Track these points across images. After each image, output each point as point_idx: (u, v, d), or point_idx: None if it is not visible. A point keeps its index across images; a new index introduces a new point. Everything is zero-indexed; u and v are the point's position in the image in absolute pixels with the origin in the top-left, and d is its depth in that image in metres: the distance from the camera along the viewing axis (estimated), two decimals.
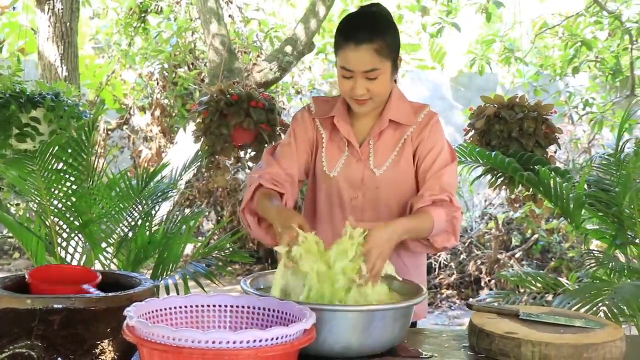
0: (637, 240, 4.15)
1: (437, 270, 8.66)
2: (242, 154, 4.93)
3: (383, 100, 2.57)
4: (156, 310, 1.87)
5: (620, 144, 4.27)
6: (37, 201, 4.00)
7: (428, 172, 2.54)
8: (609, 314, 3.45)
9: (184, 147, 6.52)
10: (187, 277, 3.96)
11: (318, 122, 2.67)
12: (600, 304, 3.54)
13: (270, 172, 2.58)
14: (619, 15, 8.57)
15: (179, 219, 4.34)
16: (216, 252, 4.33)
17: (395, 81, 2.63)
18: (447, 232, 2.51)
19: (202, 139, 4.68)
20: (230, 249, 4.43)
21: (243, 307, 1.97)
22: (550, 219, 8.49)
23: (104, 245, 4.05)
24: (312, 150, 2.68)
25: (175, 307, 1.92)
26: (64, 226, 4.09)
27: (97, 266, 4.05)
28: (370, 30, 2.41)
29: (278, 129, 4.69)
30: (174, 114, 9.57)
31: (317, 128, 2.67)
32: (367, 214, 2.59)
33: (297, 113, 2.74)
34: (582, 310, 3.51)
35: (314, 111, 2.69)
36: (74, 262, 4.14)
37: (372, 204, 2.60)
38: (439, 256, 8.66)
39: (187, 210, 8.52)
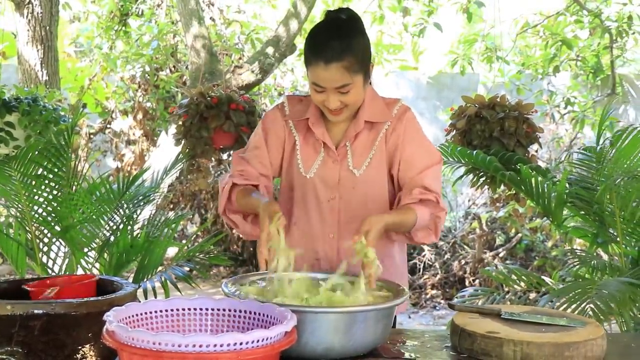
0: (618, 239, 4.17)
1: (421, 270, 8.67)
2: (224, 156, 4.92)
3: (357, 107, 2.56)
4: (136, 315, 1.86)
5: (601, 142, 4.28)
6: (16, 207, 3.98)
7: (409, 171, 2.55)
8: (597, 312, 3.46)
9: (167, 150, 6.50)
10: (167, 280, 3.94)
11: (291, 124, 2.66)
12: (586, 303, 3.55)
13: (241, 170, 2.59)
14: (598, 14, 8.61)
15: (161, 222, 4.33)
16: (199, 255, 4.32)
17: (370, 83, 2.62)
18: (428, 230, 2.54)
19: (183, 142, 4.66)
20: (214, 252, 4.43)
21: (224, 310, 1.96)
22: (534, 218, 8.53)
23: (85, 249, 4.04)
24: (283, 150, 2.66)
25: (155, 311, 1.91)
26: (45, 231, 4.07)
27: (79, 271, 4.04)
28: (339, 47, 2.37)
29: None
30: (156, 117, 9.53)
31: (290, 129, 2.66)
32: (343, 214, 2.60)
33: (270, 112, 2.72)
34: (569, 309, 3.52)
35: (287, 112, 2.67)
36: (56, 268, 4.13)
37: (348, 204, 2.60)
38: (423, 256, 8.68)
39: (170, 214, 8.50)
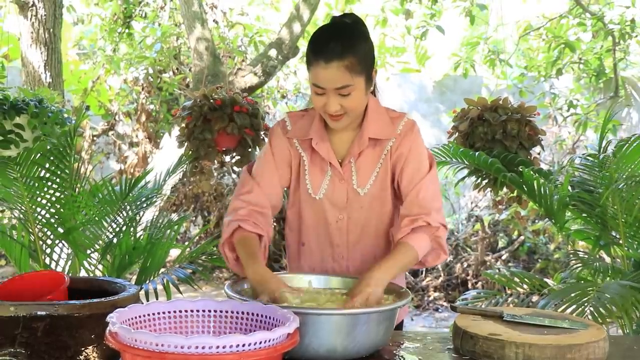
0: (620, 241, 4.17)
1: (424, 272, 8.68)
2: (227, 158, 4.92)
3: (358, 115, 2.51)
4: (139, 316, 1.87)
5: (603, 144, 4.28)
6: (19, 209, 3.98)
7: (407, 187, 2.50)
8: (595, 314, 3.46)
9: (170, 152, 6.51)
10: (169, 282, 3.95)
11: (296, 142, 2.60)
12: (585, 305, 3.55)
13: (250, 202, 2.53)
14: (601, 17, 8.61)
15: (164, 224, 4.33)
16: (202, 257, 4.32)
17: (373, 92, 2.59)
18: (435, 250, 2.49)
19: (186, 144, 4.67)
20: (216, 254, 4.42)
21: (227, 311, 1.96)
22: (536, 221, 8.53)
23: (88, 251, 4.04)
24: (291, 166, 2.62)
25: (158, 313, 1.91)
26: (48, 233, 4.08)
27: (82, 273, 4.05)
28: (340, 46, 2.33)
29: (262, 133, 4.68)
30: (159, 119, 9.56)
31: (295, 147, 2.61)
32: (352, 235, 2.58)
33: (274, 128, 2.66)
34: (568, 311, 3.52)
35: (289, 129, 2.62)
36: (59, 269, 4.13)
37: (356, 223, 2.58)
38: None
39: (173, 216, 8.51)
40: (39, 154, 3.89)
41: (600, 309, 3.49)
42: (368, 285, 2.21)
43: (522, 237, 8.73)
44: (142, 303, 1.96)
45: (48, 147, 3.91)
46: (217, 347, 1.58)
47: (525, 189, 4.29)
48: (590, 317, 3.44)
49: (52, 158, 3.93)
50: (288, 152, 2.61)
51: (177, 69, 9.50)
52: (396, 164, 2.54)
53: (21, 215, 4.03)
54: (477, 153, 4.32)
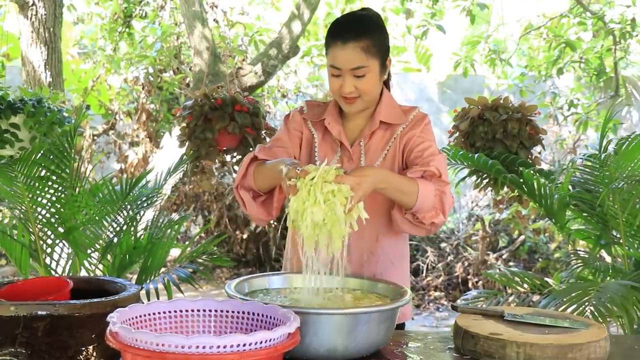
0: (621, 240, 4.17)
1: (424, 272, 8.67)
2: (227, 157, 4.92)
3: (371, 100, 2.58)
4: (140, 316, 1.87)
5: (604, 144, 4.28)
6: (20, 208, 3.98)
7: (417, 158, 2.52)
8: (596, 314, 3.46)
9: (170, 152, 6.51)
10: (170, 282, 3.95)
11: (310, 123, 2.70)
12: (586, 304, 3.55)
13: (264, 149, 2.65)
14: (602, 16, 8.61)
15: (164, 223, 4.32)
16: (202, 256, 4.32)
17: (387, 86, 2.68)
18: (435, 209, 2.44)
19: (187, 143, 4.67)
20: (217, 253, 4.42)
21: (227, 311, 1.96)
22: (537, 220, 8.52)
23: (89, 251, 4.04)
24: (300, 145, 2.70)
25: (159, 312, 1.92)
26: (49, 233, 4.07)
27: (83, 272, 4.04)
28: (357, 29, 2.46)
29: (263, 132, 4.68)
30: (159, 119, 9.55)
31: (309, 128, 2.70)
32: None
33: (291, 112, 2.78)
34: (569, 310, 3.52)
35: (305, 111, 2.72)
36: (59, 269, 4.13)
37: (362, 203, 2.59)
38: (426, 258, 8.68)
39: (174, 215, 8.51)
40: (39, 154, 3.89)
41: (601, 308, 3.50)
42: (363, 174, 2.23)
43: (522, 237, 8.73)
44: (143, 303, 1.96)
45: (47, 147, 3.91)
46: (218, 346, 1.58)
47: (526, 189, 4.29)
48: (591, 316, 3.45)
49: (52, 157, 3.93)
50: (300, 130, 2.71)
51: (177, 68, 9.49)
52: (405, 145, 2.59)
53: (21, 215, 4.03)
54: (477, 155, 4.33)
